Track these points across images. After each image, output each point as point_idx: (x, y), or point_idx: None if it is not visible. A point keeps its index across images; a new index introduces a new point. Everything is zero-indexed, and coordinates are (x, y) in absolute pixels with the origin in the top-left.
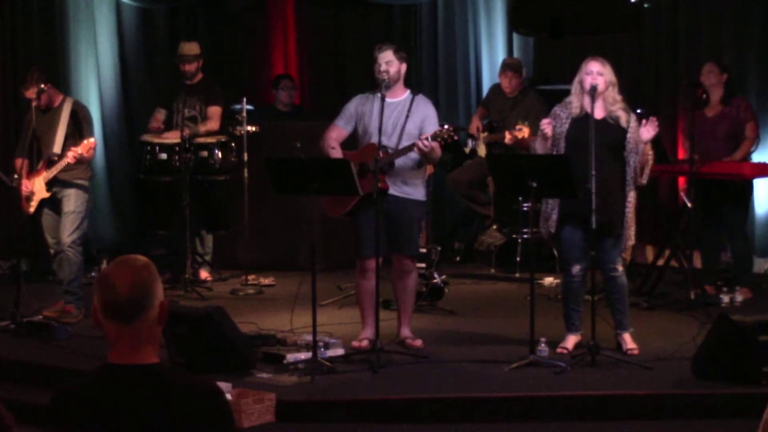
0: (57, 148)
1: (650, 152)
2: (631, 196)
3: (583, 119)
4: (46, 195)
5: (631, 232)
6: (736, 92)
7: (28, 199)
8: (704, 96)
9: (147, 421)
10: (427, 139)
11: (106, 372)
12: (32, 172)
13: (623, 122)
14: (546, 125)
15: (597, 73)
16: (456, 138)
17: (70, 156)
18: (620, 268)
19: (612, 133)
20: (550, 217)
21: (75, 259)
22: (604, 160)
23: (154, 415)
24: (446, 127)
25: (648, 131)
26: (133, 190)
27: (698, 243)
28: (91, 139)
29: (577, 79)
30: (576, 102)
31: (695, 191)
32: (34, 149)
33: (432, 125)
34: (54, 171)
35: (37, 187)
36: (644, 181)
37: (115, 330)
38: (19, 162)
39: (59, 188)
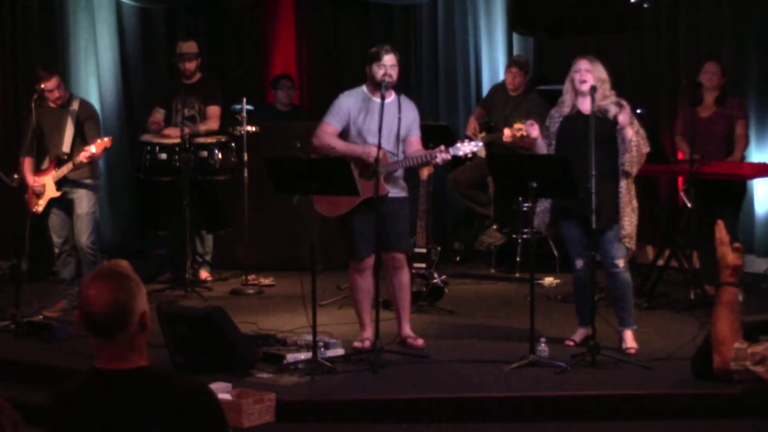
0: (66, 147)
1: (635, 138)
2: (623, 185)
3: (574, 116)
4: (56, 194)
5: (625, 221)
6: (729, 93)
7: (39, 195)
8: (699, 97)
9: (138, 425)
10: (447, 152)
11: (95, 377)
12: (39, 170)
13: (611, 115)
14: (529, 126)
15: (585, 70)
16: (470, 156)
17: (84, 155)
18: (621, 263)
19: (600, 126)
20: (539, 213)
21: (94, 260)
22: (594, 154)
23: (145, 419)
24: (467, 141)
25: (622, 117)
26: (133, 190)
27: (697, 243)
28: (105, 138)
29: (568, 78)
30: (568, 101)
31: (695, 191)
32: (33, 147)
33: (417, 128)
34: (65, 170)
35: (46, 186)
36: (633, 169)
37: (97, 342)
38: (25, 160)
39: (69, 188)
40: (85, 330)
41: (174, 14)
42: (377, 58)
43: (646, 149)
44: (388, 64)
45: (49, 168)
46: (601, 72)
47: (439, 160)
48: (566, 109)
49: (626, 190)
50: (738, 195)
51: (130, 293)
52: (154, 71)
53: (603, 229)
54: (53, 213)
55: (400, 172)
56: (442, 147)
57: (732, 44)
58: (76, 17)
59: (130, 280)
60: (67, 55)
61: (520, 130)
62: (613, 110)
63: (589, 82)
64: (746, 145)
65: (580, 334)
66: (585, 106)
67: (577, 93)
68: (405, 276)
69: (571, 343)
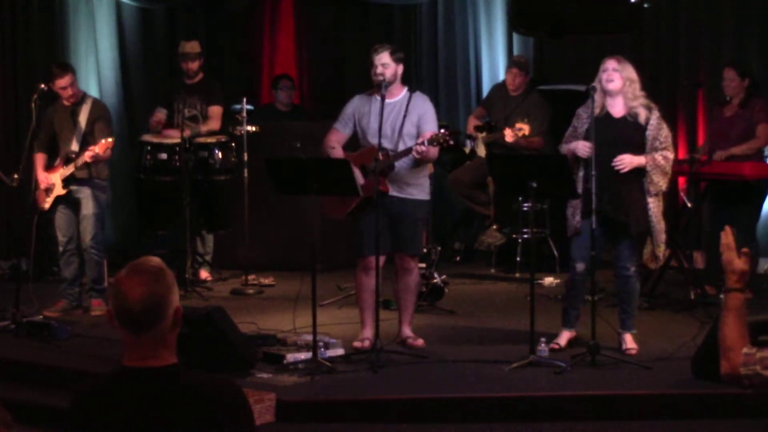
0: (74, 145)
1: (660, 160)
2: (651, 203)
3: (604, 119)
4: (62, 192)
5: (662, 237)
6: (755, 94)
7: (48, 191)
8: (727, 98)
9: (166, 423)
10: (423, 143)
11: (123, 375)
12: (52, 167)
13: (642, 119)
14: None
15: (612, 69)
16: (452, 143)
17: (87, 155)
18: (633, 268)
19: (631, 131)
20: (574, 215)
21: (98, 260)
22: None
23: (174, 416)
24: (442, 131)
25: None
26: (133, 190)
27: (704, 243)
28: (109, 139)
29: (597, 78)
30: (597, 101)
31: (706, 190)
32: (34, 145)
33: (429, 122)
34: (71, 168)
35: (54, 184)
36: (662, 186)
37: (129, 337)
38: (36, 157)
39: (77, 187)
40: (118, 325)
41: (174, 14)
42: (370, 60)
43: (671, 155)
44: (378, 63)
45: (58, 166)
46: (630, 72)
47: (415, 152)
48: (595, 111)
49: (657, 208)
50: (758, 195)
51: (166, 287)
52: (155, 71)
53: (635, 233)
54: (59, 211)
55: (403, 172)
56: (421, 138)
57: (732, 44)
58: (76, 17)
59: (165, 274)
60: (67, 55)
61: (521, 130)
62: (643, 114)
63: (616, 81)
64: (761, 146)
65: (564, 336)
66: (615, 108)
67: (605, 94)
68: (412, 278)
69: (556, 347)
